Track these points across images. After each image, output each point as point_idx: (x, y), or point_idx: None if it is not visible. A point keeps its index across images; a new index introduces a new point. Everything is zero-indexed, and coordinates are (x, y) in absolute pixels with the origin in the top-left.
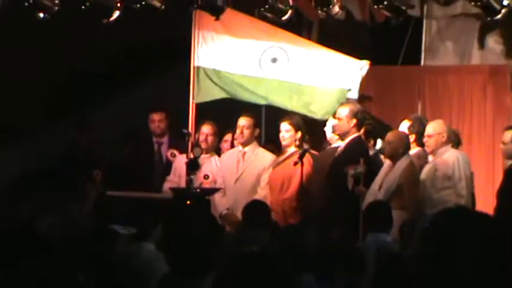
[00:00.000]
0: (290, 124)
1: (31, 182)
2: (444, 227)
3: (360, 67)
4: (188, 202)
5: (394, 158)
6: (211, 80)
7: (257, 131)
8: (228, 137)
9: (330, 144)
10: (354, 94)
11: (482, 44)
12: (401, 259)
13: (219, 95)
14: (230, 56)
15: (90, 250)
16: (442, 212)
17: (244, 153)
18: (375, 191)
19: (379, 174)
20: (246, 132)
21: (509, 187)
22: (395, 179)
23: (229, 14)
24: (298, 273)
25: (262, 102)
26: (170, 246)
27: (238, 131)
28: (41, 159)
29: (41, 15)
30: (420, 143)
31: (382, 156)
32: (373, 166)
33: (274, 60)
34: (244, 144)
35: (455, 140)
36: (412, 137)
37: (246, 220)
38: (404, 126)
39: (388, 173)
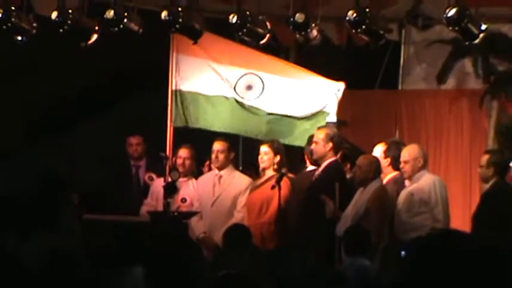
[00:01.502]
0: (269, 147)
1: (11, 209)
2: (423, 254)
3: (336, 89)
4: (166, 225)
5: (364, 182)
6: (187, 104)
7: (232, 154)
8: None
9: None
10: (332, 118)
11: (459, 69)
12: (380, 285)
13: (198, 123)
14: (207, 80)
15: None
16: (420, 238)
17: (221, 176)
18: (348, 215)
19: (352, 199)
20: (221, 156)
21: (484, 211)
22: (364, 202)
23: (208, 37)
24: None
25: (232, 131)
26: (149, 270)
27: (213, 156)
28: (18, 184)
29: (19, 38)
30: (396, 167)
31: None
32: (350, 190)
33: (249, 87)
34: (220, 167)
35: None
36: (387, 161)
37: (226, 243)
38: (378, 150)
39: (359, 198)
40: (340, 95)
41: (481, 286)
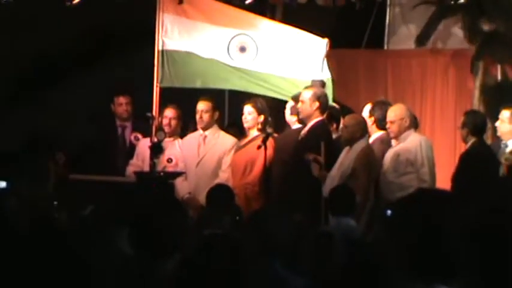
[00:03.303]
0: (253, 107)
1: None
2: (407, 213)
3: (321, 46)
4: (152, 185)
5: (351, 142)
6: (178, 63)
7: (217, 114)
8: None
9: (290, 127)
10: (318, 75)
11: (445, 28)
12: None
13: (186, 83)
14: (197, 41)
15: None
16: (405, 197)
17: (205, 136)
18: (334, 175)
19: (338, 159)
20: (205, 116)
21: (461, 172)
22: (351, 162)
23: None
24: (263, 258)
25: (230, 87)
26: (134, 229)
27: (197, 116)
28: (3, 141)
29: None
30: (381, 126)
31: None
32: (336, 150)
33: (242, 49)
34: (205, 128)
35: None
36: (371, 120)
37: (209, 204)
38: (367, 110)
39: (345, 157)
40: (324, 51)
41: (463, 243)
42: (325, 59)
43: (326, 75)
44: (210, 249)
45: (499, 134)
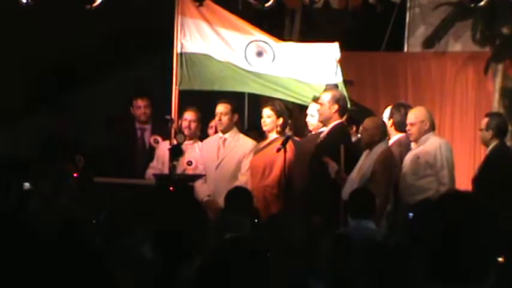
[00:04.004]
0: (272, 110)
1: (15, 168)
2: (430, 215)
3: (333, 50)
4: (171, 188)
5: (371, 144)
6: (196, 66)
7: (236, 116)
8: (213, 123)
9: (311, 132)
10: (333, 79)
11: (464, 31)
12: (387, 247)
13: (204, 85)
14: (215, 44)
15: None
16: (428, 200)
17: (225, 139)
18: (354, 178)
19: (358, 162)
20: (224, 118)
21: (483, 175)
22: (370, 165)
23: (211, 6)
24: (281, 261)
25: (247, 90)
26: (155, 233)
27: (216, 118)
28: (23, 145)
29: (24, 0)
30: (399, 128)
31: None
32: (355, 153)
33: (260, 53)
34: (224, 130)
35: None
36: (390, 123)
37: (227, 207)
38: (387, 113)
39: (365, 160)
40: (338, 55)
41: (487, 247)
42: (339, 63)
43: (339, 79)
44: (231, 253)
45: None
